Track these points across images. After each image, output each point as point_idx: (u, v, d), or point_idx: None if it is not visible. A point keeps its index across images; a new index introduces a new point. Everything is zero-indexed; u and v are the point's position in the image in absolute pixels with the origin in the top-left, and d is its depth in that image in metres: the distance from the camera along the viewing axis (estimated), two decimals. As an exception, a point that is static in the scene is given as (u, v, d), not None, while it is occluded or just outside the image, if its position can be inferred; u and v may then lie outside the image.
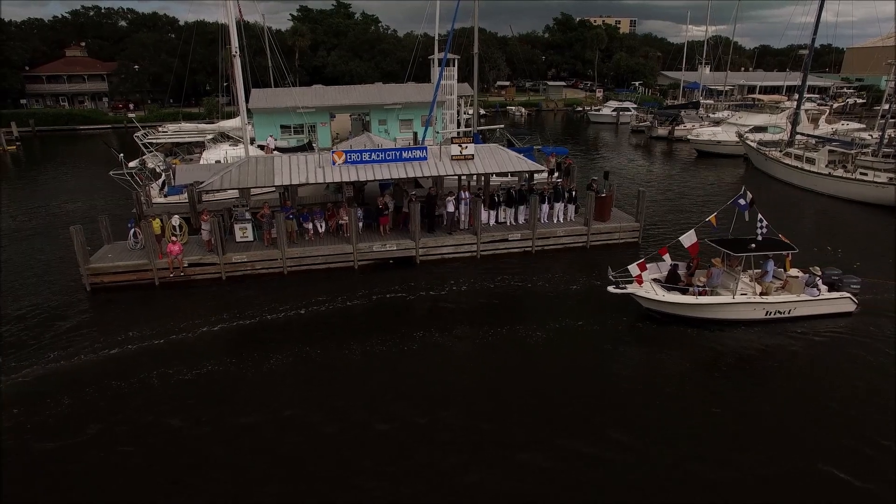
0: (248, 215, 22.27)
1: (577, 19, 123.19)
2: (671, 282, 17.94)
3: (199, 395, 13.95)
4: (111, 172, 29.77)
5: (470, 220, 23.55)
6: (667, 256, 17.77)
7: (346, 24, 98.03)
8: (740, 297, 17.22)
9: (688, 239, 17.40)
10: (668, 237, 25.75)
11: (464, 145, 22.91)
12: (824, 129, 46.02)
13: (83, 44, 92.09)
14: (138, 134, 36.62)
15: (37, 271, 22.37)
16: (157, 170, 32.91)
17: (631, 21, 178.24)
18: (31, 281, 21.30)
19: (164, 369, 15.00)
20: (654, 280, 18.17)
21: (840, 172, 33.09)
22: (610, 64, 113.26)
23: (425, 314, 18.58)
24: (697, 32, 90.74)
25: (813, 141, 37.77)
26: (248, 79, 35.06)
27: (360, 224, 22.60)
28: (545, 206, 24.36)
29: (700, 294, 17.32)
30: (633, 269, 17.34)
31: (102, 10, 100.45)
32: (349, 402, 13.63)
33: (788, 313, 17.53)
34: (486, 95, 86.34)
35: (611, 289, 17.40)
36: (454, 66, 46.88)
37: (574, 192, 25.35)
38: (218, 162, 31.42)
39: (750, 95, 77.32)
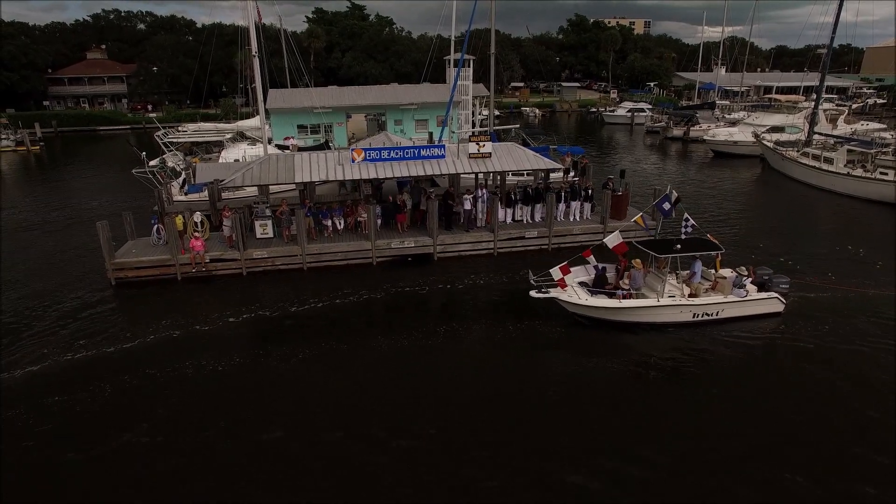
0: (268, 212, 22.65)
1: (592, 20, 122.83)
2: (599, 284, 17.43)
3: (223, 385, 14.27)
4: (133, 171, 30.39)
5: (487, 218, 23.72)
6: (592, 258, 17.44)
7: (360, 25, 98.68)
8: (667, 299, 16.66)
9: (613, 240, 16.96)
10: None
11: (481, 143, 23.08)
12: (843, 129, 45.55)
13: (103, 46, 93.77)
14: (159, 133, 37.26)
15: (63, 265, 22.92)
16: (177, 168, 33.51)
17: (645, 22, 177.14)
18: (58, 274, 21.83)
19: (190, 360, 15.32)
20: (582, 283, 17.61)
21: (859, 172, 32.78)
22: (624, 65, 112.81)
23: (443, 309, 18.77)
24: (713, 33, 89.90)
25: (831, 141, 37.44)
26: (266, 79, 35.52)
27: (379, 221, 22.85)
28: (561, 205, 24.46)
29: (624, 297, 16.77)
30: (556, 272, 16.72)
31: (122, 14, 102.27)
32: (362, 397, 13.86)
33: (716, 315, 17.05)
34: (500, 97, 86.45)
35: (533, 293, 16.79)
36: (470, 66, 47.09)
37: (591, 191, 25.42)
38: (237, 161, 31.92)
39: (766, 96, 76.64)
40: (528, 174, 29.20)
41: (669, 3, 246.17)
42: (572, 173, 29.94)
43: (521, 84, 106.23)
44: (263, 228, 22.45)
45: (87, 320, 17.97)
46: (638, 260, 17.28)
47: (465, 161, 23.05)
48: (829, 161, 34.77)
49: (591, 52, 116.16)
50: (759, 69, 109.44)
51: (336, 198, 27.50)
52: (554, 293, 16.82)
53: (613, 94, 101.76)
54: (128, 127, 75.29)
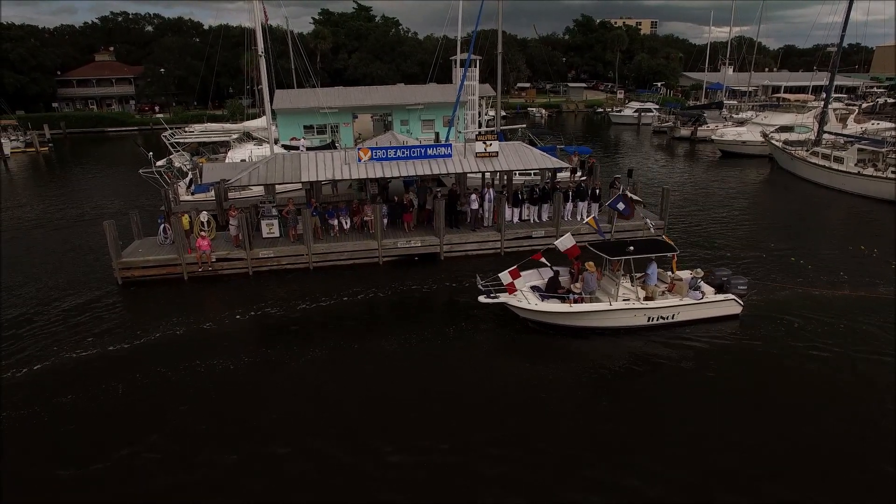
0: (274, 211, 22.63)
1: (598, 21, 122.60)
2: (551, 288, 16.83)
3: (230, 383, 14.22)
4: (140, 171, 30.47)
5: (494, 218, 23.60)
6: (544, 260, 16.95)
7: (366, 26, 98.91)
8: (620, 303, 16.16)
9: (565, 242, 16.47)
10: (692, 235, 25.61)
11: (488, 142, 22.97)
12: (853, 128, 45.14)
13: (111, 48, 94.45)
14: (166, 134, 37.41)
15: (70, 264, 22.98)
16: (184, 168, 33.60)
17: (652, 22, 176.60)
18: (65, 274, 21.88)
19: (199, 359, 15.28)
20: (534, 287, 17.04)
21: (870, 171, 32.44)
22: (631, 65, 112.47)
23: (448, 309, 18.65)
24: (720, 33, 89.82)
25: (841, 140, 37.08)
26: (273, 80, 35.60)
27: (385, 221, 22.77)
28: (569, 204, 24.31)
29: (575, 301, 16.21)
30: (505, 276, 16.26)
31: (130, 16, 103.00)
32: (372, 394, 13.78)
33: (672, 318, 16.49)
34: (506, 97, 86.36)
35: (482, 298, 16.25)
36: (476, 67, 47.03)
37: (598, 191, 25.26)
38: (243, 161, 31.96)
39: (774, 95, 76.13)
40: (535, 174, 29.08)
41: (676, 4, 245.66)
42: (579, 173, 29.79)
43: (528, 85, 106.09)
44: (270, 228, 22.43)
45: (95, 319, 17.97)
46: (591, 263, 16.73)
47: (471, 160, 22.94)
48: (839, 160, 34.43)
49: (598, 52, 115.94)
50: (766, 69, 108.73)
51: (342, 197, 27.47)
52: (503, 298, 16.24)
53: (620, 95, 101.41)
54: (135, 128, 75.73)
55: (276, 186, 24.51)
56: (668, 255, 16.83)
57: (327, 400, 13.50)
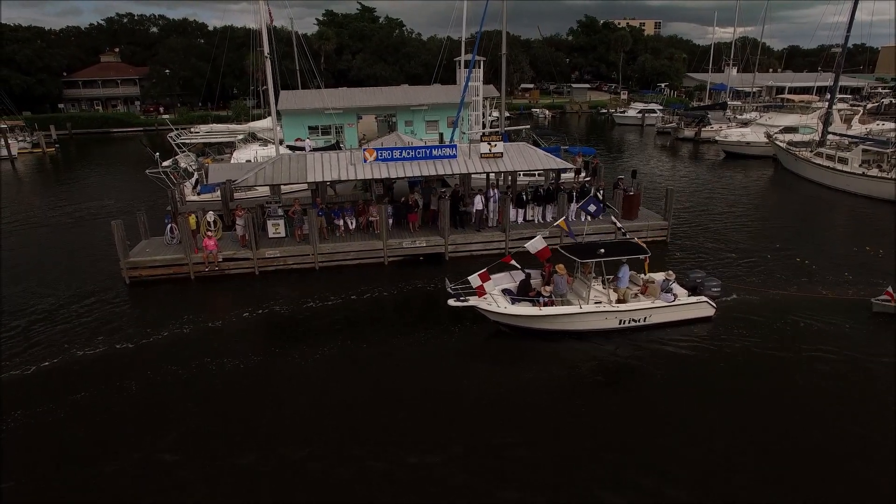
0: (280, 212, 22.78)
1: (602, 22, 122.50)
2: (523, 291, 16.56)
3: (241, 383, 14.37)
4: (147, 171, 30.68)
5: (498, 218, 23.70)
6: (514, 262, 16.69)
7: (370, 27, 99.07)
8: (591, 305, 15.92)
9: (535, 245, 16.15)
10: (698, 236, 25.67)
11: (493, 143, 23.08)
12: (858, 129, 45.05)
13: (117, 49, 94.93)
14: (171, 134, 37.62)
15: (78, 264, 23.16)
16: (190, 169, 33.80)
17: (656, 23, 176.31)
18: (73, 273, 22.08)
19: (208, 357, 15.43)
20: (505, 291, 16.85)
21: (875, 172, 32.42)
22: (635, 66, 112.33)
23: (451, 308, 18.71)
24: (724, 34, 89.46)
25: (846, 141, 37.05)
26: (278, 81, 35.79)
27: (390, 221, 22.89)
28: (573, 205, 24.36)
29: (545, 304, 15.96)
30: (474, 279, 16.05)
31: (135, 17, 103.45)
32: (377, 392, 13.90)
33: (644, 321, 16.31)
34: (510, 98, 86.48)
35: (451, 302, 15.91)
36: (480, 67, 47.11)
37: (602, 191, 25.33)
38: (248, 161, 32.14)
39: (779, 96, 75.99)
40: (539, 174, 29.17)
41: (680, 4, 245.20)
42: (583, 174, 29.88)
43: (531, 86, 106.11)
44: (276, 228, 22.58)
45: (104, 317, 18.17)
46: (561, 265, 16.46)
47: (476, 161, 23.06)
48: (843, 161, 34.42)
49: (602, 53, 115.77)
50: (771, 69, 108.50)
51: (349, 197, 27.59)
52: (473, 301, 16.02)
53: (624, 96, 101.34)
54: (140, 129, 76.06)
55: (282, 187, 24.67)
56: (641, 257, 16.60)
57: (334, 401, 13.59)
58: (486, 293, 16.20)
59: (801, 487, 10.58)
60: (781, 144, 41.73)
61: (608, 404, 13.33)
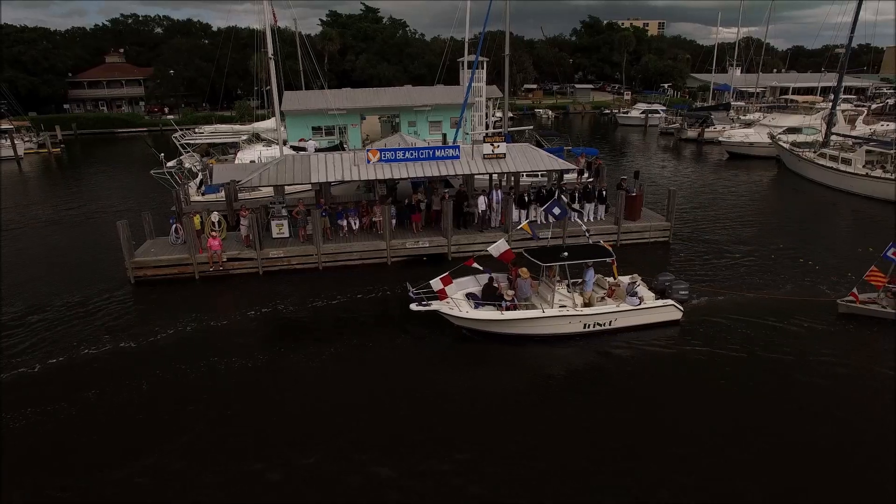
0: (284, 212, 22.90)
1: (605, 22, 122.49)
2: (487, 295, 16.33)
3: (248, 383, 14.47)
4: (152, 171, 30.88)
5: (501, 219, 23.77)
6: (477, 265, 16.49)
7: (374, 28, 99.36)
8: (554, 309, 15.72)
9: (498, 248, 16.06)
10: (700, 237, 25.69)
11: (496, 144, 23.15)
12: (862, 129, 44.97)
13: (122, 50, 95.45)
14: (176, 135, 37.83)
15: (84, 263, 23.36)
16: (194, 169, 33.98)
17: (659, 24, 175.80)
18: (79, 272, 22.27)
19: (216, 356, 15.55)
20: (470, 294, 16.70)
21: (878, 173, 32.36)
22: (638, 66, 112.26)
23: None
24: (728, 34, 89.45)
25: (850, 141, 36.99)
26: (281, 81, 35.94)
27: (394, 221, 22.99)
28: (575, 205, 24.41)
29: (507, 308, 15.77)
30: (436, 283, 15.86)
31: (140, 18, 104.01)
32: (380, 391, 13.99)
33: (609, 325, 16.14)
34: (513, 99, 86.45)
35: (413, 307, 15.82)
36: (483, 68, 47.14)
37: (604, 192, 25.38)
38: (252, 162, 32.31)
39: (783, 97, 75.83)
40: (542, 175, 29.21)
41: (684, 4, 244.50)
42: (586, 174, 29.91)
43: (535, 86, 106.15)
44: (280, 228, 22.70)
45: (110, 316, 18.33)
46: (524, 269, 16.34)
47: (479, 162, 23.13)
48: (847, 162, 34.37)
49: (605, 53, 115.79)
50: (774, 70, 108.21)
51: (351, 198, 27.69)
52: (436, 305, 15.84)
53: (627, 96, 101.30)
54: (145, 129, 76.41)
55: (286, 187, 24.77)
56: (607, 260, 16.43)
57: (341, 402, 13.69)
58: (447, 297, 16.03)
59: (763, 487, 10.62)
60: (785, 145, 41.69)
61: (569, 410, 13.14)
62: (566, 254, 15.78)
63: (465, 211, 23.74)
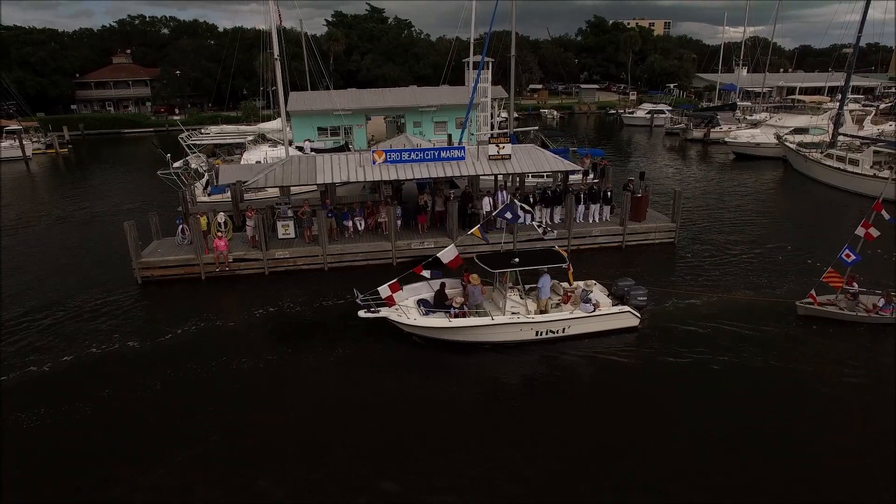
0: (290, 213, 22.98)
1: (611, 22, 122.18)
2: (439, 301, 16.15)
3: (256, 384, 14.54)
4: (158, 172, 31.03)
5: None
6: (428, 273, 16.11)
7: (379, 28, 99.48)
8: (505, 316, 15.50)
9: (447, 254, 15.79)
10: (705, 238, 25.60)
11: (501, 145, 23.16)
12: (870, 129, 44.69)
13: (128, 51, 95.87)
14: (182, 135, 37.99)
15: (91, 264, 23.51)
16: (200, 170, 34.14)
17: (665, 23, 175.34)
18: (87, 272, 22.45)
19: (225, 356, 15.65)
20: (421, 301, 16.50)
21: (886, 173, 32.14)
22: (644, 66, 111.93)
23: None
24: (734, 34, 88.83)
25: (857, 142, 36.76)
26: (287, 82, 36.04)
27: (399, 222, 23.03)
28: (581, 206, 24.43)
29: (456, 315, 15.48)
30: (384, 289, 15.62)
31: (147, 19, 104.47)
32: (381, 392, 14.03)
33: (563, 332, 15.81)
34: (518, 99, 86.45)
35: (361, 313, 15.64)
36: (489, 68, 47.19)
37: (610, 193, 25.34)
38: (258, 162, 32.44)
39: (789, 97, 75.44)
40: (547, 176, 29.20)
41: (690, 4, 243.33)
42: (591, 175, 29.87)
43: (540, 86, 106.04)
44: (285, 229, 22.78)
45: (118, 316, 18.47)
46: (475, 275, 16.16)
47: (485, 162, 23.14)
48: (854, 163, 34.17)
49: (610, 53, 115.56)
50: (781, 70, 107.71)
51: (357, 198, 27.77)
52: (385, 312, 15.68)
53: (632, 96, 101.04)
54: (151, 130, 76.79)
55: (291, 188, 24.87)
56: (563, 265, 16.09)
57: (345, 404, 13.76)
58: (395, 304, 15.85)
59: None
60: (791, 146, 41.48)
61: (518, 417, 13.04)
62: (517, 260, 15.48)
63: (469, 212, 23.75)
